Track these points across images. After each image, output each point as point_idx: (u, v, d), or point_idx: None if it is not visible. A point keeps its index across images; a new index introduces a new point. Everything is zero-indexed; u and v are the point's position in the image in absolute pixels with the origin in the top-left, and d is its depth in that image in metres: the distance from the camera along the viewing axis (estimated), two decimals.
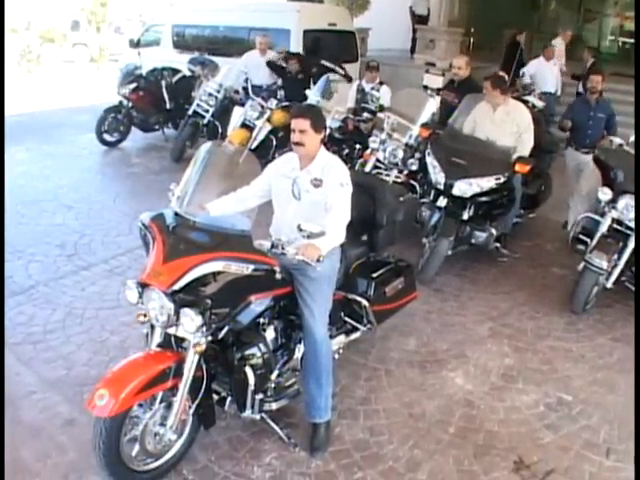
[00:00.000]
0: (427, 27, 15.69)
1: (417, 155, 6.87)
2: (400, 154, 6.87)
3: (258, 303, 3.37)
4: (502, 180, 5.75)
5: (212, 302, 3.14)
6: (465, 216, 5.85)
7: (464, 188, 5.69)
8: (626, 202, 5.24)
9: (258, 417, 3.61)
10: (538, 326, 5.31)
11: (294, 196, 3.62)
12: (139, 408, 3.23)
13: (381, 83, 8.63)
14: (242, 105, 9.04)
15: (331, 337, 3.97)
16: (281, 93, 9.07)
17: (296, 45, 11.18)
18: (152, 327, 3.32)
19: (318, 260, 3.22)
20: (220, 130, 9.47)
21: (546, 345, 5.02)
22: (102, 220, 7.24)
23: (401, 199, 4.51)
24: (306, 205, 3.58)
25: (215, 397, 3.54)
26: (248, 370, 3.40)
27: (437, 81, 8.34)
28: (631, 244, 5.26)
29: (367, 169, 6.90)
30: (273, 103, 8.72)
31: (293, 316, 3.74)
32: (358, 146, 8.03)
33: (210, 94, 9.66)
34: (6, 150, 8.33)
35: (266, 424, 3.77)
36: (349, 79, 10.00)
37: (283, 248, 3.26)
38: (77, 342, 4.74)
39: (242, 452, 3.68)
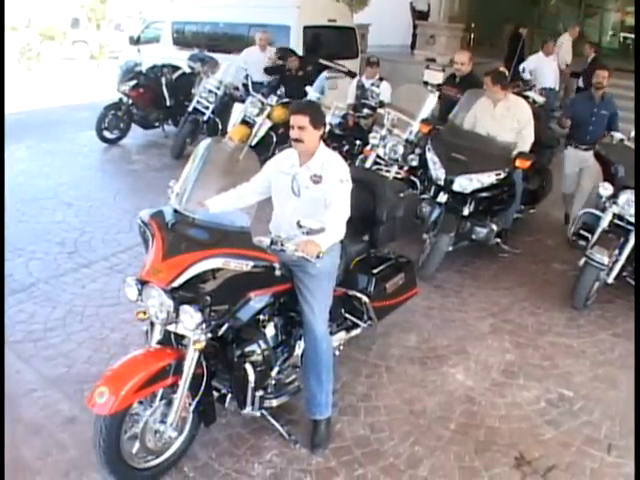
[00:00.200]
0: (427, 23, 15.68)
1: (417, 151, 6.85)
2: (400, 150, 6.85)
3: (258, 300, 3.37)
4: (502, 176, 5.74)
5: (212, 299, 3.13)
6: (465, 212, 5.83)
7: (464, 184, 5.68)
8: (627, 197, 5.22)
9: (258, 414, 3.60)
10: (539, 322, 5.30)
11: (294, 192, 3.61)
12: (139, 405, 3.23)
13: (381, 79, 8.60)
14: (242, 102, 9.00)
15: (331, 333, 3.96)
16: (281, 90, 9.05)
17: (296, 41, 11.15)
18: (152, 324, 3.32)
19: (318, 256, 3.22)
20: (220, 127, 9.45)
21: (547, 341, 5.02)
22: (102, 217, 7.24)
23: (401, 195, 4.50)
24: (306, 201, 3.58)
25: (215, 394, 3.54)
26: (248, 367, 3.39)
27: (437, 77, 8.30)
28: (632, 239, 5.24)
29: (367, 165, 6.88)
30: (273, 100, 8.70)
31: (293, 313, 3.73)
32: (358, 142, 8.00)
33: (210, 91, 9.63)
34: (6, 148, 8.31)
35: (266, 421, 3.77)
36: (352, 75, 9.99)
37: (282, 244, 3.25)
38: (77, 340, 4.74)
39: (242, 449, 3.68)
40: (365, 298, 4.13)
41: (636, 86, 9.33)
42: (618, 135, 6.20)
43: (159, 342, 3.29)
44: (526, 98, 7.39)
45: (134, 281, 3.20)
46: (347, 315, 4.27)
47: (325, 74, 8.62)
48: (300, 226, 3.20)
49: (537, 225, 7.37)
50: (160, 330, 3.28)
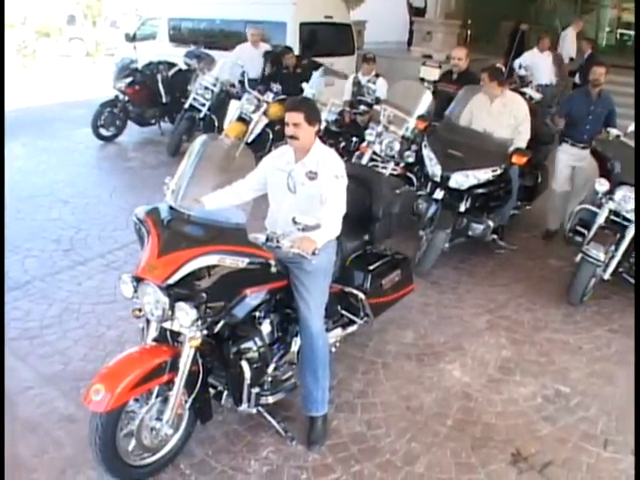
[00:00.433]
0: (424, 19, 15.68)
1: (414, 147, 6.85)
2: (396, 146, 6.85)
3: (253, 297, 3.36)
4: (499, 172, 5.74)
5: (207, 296, 3.13)
6: (462, 208, 5.83)
7: (461, 180, 5.67)
8: (623, 193, 5.22)
9: (255, 411, 3.61)
10: (535, 318, 5.31)
11: (289, 189, 3.60)
12: (135, 403, 3.23)
13: (377, 75, 8.60)
14: (238, 99, 9.01)
15: (327, 330, 3.97)
16: (278, 87, 9.04)
17: (292, 38, 11.15)
18: (148, 321, 3.31)
19: (313, 253, 3.21)
20: (216, 124, 9.43)
21: (543, 337, 5.02)
22: (98, 215, 7.23)
23: (397, 192, 4.49)
24: (301, 198, 3.57)
25: (211, 391, 3.53)
26: (244, 364, 3.39)
27: (434, 73, 8.30)
28: (628, 235, 5.24)
29: (363, 162, 6.87)
30: (269, 96, 8.70)
31: (289, 309, 3.73)
32: (355, 139, 7.98)
33: (206, 88, 9.62)
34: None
35: (263, 418, 3.77)
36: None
37: (278, 241, 3.25)
38: (74, 337, 4.73)
39: (239, 446, 3.68)
40: (361, 295, 4.12)
41: (636, 84, 9.32)
42: (614, 131, 6.18)
43: (155, 339, 3.29)
44: (523, 94, 7.40)
45: (130, 278, 3.19)
46: (343, 312, 4.27)
47: (321, 71, 8.61)
48: (296, 222, 3.20)
49: (533, 221, 7.37)
50: (156, 327, 3.28)
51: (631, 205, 5.19)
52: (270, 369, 3.60)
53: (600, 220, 5.36)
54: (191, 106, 9.66)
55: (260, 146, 8.26)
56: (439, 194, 5.81)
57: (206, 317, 3.15)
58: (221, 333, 3.37)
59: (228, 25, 12.60)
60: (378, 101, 7.68)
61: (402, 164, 6.94)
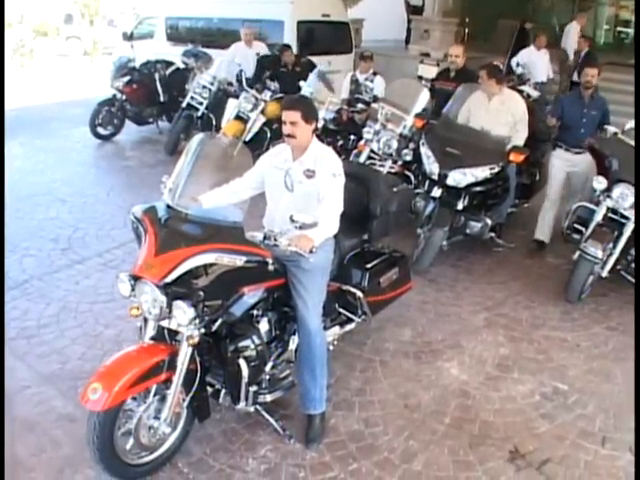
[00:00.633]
0: (422, 17, 15.69)
1: (411, 145, 6.85)
2: (394, 144, 6.85)
3: (251, 295, 3.36)
4: (496, 170, 5.74)
5: (205, 294, 3.13)
6: (460, 206, 5.82)
7: (458, 178, 5.67)
8: (621, 191, 5.21)
9: (252, 409, 3.61)
10: (533, 316, 5.31)
11: (287, 187, 3.60)
12: (133, 401, 3.22)
13: (375, 74, 8.59)
14: (236, 97, 9.00)
15: (325, 328, 3.96)
16: (275, 85, 9.03)
17: (290, 36, 11.14)
18: (145, 320, 3.31)
19: (311, 251, 3.21)
20: (214, 122, 9.41)
21: (541, 334, 5.02)
22: (96, 214, 7.22)
23: (395, 189, 4.49)
24: (299, 196, 3.57)
25: (209, 389, 3.53)
26: (242, 362, 3.39)
27: (431, 71, 8.31)
28: (626, 233, 5.25)
29: (361, 160, 6.87)
30: (267, 95, 8.69)
31: (287, 308, 3.73)
32: (352, 137, 7.99)
33: (204, 86, 9.61)
34: None
35: (261, 416, 3.77)
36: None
37: (276, 239, 3.25)
38: (71, 336, 4.73)
39: (237, 444, 3.68)
40: (359, 293, 4.12)
41: (636, 82, 9.32)
42: (612, 129, 6.17)
43: (152, 338, 3.28)
44: (520, 92, 7.40)
45: (127, 277, 3.19)
46: (341, 310, 4.27)
47: (319, 69, 8.62)
48: (293, 221, 3.20)
49: (531, 219, 7.33)
50: (153, 326, 3.27)
51: (629, 202, 5.19)
52: (268, 367, 3.61)
53: (598, 218, 5.35)
54: (189, 105, 9.65)
55: (258, 144, 8.26)
56: (437, 192, 5.81)
57: (204, 315, 3.15)
58: (219, 331, 3.37)
59: (225, 24, 12.58)
60: (376, 99, 7.68)
61: (400, 162, 6.93)
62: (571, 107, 6.28)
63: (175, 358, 3.18)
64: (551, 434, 3.86)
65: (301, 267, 3.51)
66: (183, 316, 3.05)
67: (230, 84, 9.76)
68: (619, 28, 18.95)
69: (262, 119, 8.70)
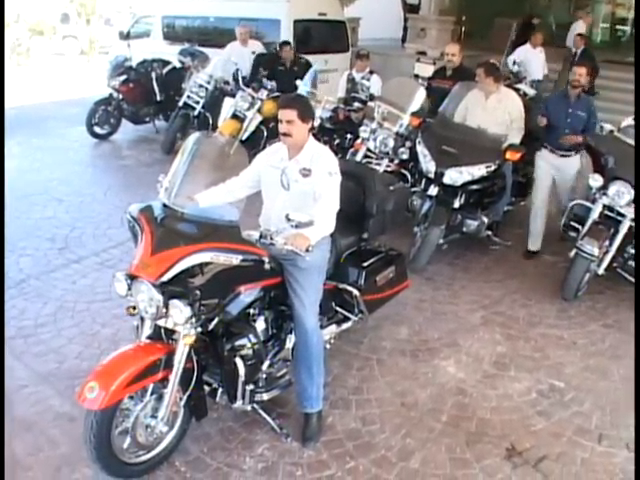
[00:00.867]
0: (418, 16, 15.67)
1: (408, 144, 6.84)
2: (391, 143, 6.84)
3: (247, 294, 3.37)
4: (493, 168, 5.75)
5: (201, 293, 3.13)
6: (456, 204, 5.83)
7: (455, 176, 5.68)
8: (617, 188, 5.22)
9: (249, 408, 3.61)
10: (530, 314, 5.32)
11: (283, 186, 3.60)
12: (130, 400, 3.23)
13: (371, 72, 8.57)
14: (233, 96, 9.00)
15: (322, 327, 3.97)
16: (272, 83, 9.03)
17: (287, 35, 11.12)
18: (142, 319, 3.31)
19: (307, 250, 3.22)
20: (211, 121, 9.42)
21: (538, 332, 5.03)
22: (93, 213, 7.22)
23: (391, 188, 4.49)
24: (295, 195, 3.57)
25: (206, 388, 3.54)
26: (238, 361, 3.39)
27: (428, 70, 8.29)
28: (622, 230, 5.26)
29: (358, 158, 6.87)
30: (264, 94, 8.69)
31: (283, 306, 3.73)
32: (349, 136, 7.98)
33: (200, 85, 9.61)
34: None
35: (257, 415, 3.78)
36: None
37: (272, 238, 3.25)
38: (68, 335, 4.73)
39: (234, 443, 3.68)
40: (356, 291, 4.13)
41: (636, 81, 9.33)
42: (608, 126, 6.18)
43: (149, 337, 3.28)
44: (517, 90, 7.40)
45: (123, 276, 3.19)
46: (338, 308, 4.27)
47: (315, 67, 8.61)
48: (289, 219, 3.20)
49: (528, 217, 7.36)
50: (150, 325, 3.27)
51: (625, 200, 5.20)
52: (265, 366, 3.60)
53: (594, 215, 5.37)
54: (185, 104, 9.65)
55: (254, 143, 8.28)
56: (433, 190, 5.81)
57: (200, 314, 3.15)
58: (215, 330, 3.37)
59: (222, 22, 12.56)
60: (372, 98, 7.66)
61: (396, 161, 6.93)
62: (555, 106, 6.08)
63: (172, 357, 3.18)
64: (548, 431, 3.87)
65: (297, 266, 3.51)
66: (179, 315, 3.05)
67: (226, 83, 9.77)
68: (616, 26, 18.95)
69: (258, 118, 8.70)
